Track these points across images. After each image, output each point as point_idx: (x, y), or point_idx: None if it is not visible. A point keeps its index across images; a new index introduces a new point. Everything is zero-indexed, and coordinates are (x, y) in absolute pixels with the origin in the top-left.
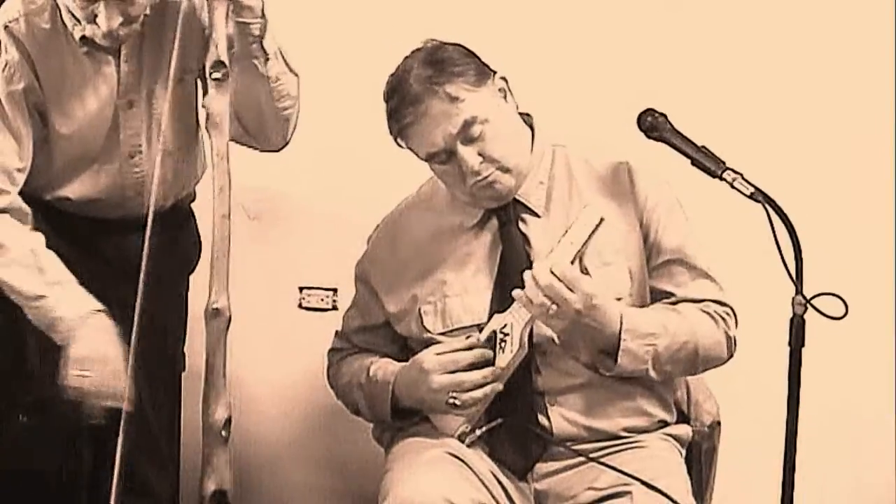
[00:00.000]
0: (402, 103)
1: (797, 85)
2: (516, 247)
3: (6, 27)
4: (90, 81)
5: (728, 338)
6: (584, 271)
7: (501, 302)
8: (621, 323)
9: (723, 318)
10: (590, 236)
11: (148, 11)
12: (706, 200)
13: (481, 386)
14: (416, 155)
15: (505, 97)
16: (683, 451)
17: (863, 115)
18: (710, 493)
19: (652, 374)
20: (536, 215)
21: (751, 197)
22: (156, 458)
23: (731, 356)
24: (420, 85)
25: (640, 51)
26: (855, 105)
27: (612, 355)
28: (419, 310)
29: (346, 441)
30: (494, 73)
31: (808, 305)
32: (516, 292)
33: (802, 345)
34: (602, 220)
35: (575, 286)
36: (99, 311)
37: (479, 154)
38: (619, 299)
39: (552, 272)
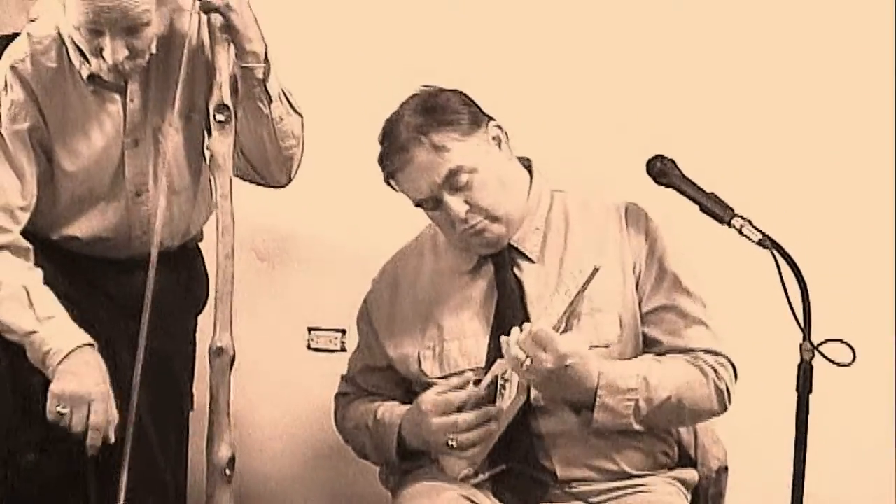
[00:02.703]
0: (390, 150)
1: (805, 133)
2: (511, 293)
3: (13, 67)
4: (96, 119)
5: (719, 391)
6: (568, 325)
7: (498, 347)
8: (598, 379)
9: (714, 370)
10: (585, 286)
11: (154, 49)
12: (715, 246)
13: (476, 427)
14: (409, 199)
15: (499, 145)
16: (689, 496)
17: (870, 163)
18: None
19: (635, 427)
20: (531, 261)
21: (759, 243)
22: (162, 494)
23: (725, 409)
24: (408, 133)
25: (650, 97)
26: (862, 153)
27: (591, 409)
28: (418, 354)
29: (353, 481)
30: (490, 120)
31: (815, 352)
32: (503, 339)
33: (810, 391)
34: (597, 269)
35: (548, 346)
36: (88, 345)
37: (467, 202)
38: (607, 346)
39: (529, 332)
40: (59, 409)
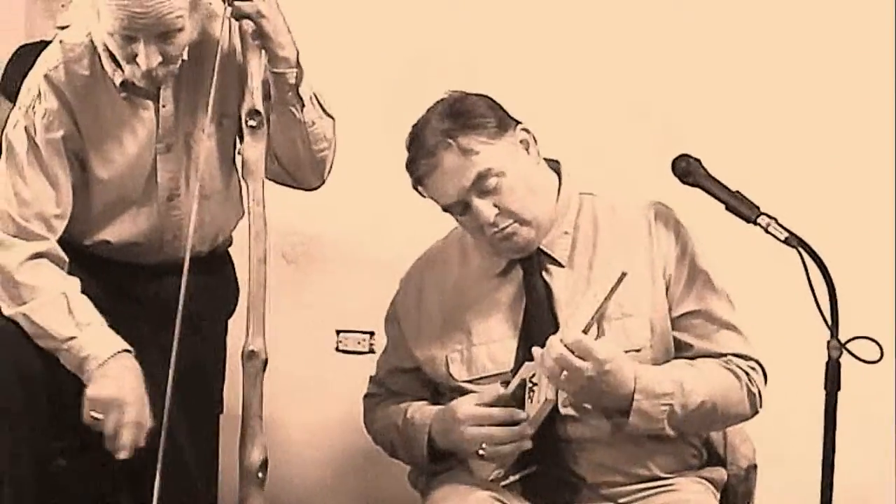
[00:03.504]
0: (418, 155)
1: (832, 131)
2: (540, 297)
3: (46, 76)
4: (128, 126)
5: (751, 394)
6: (600, 331)
7: (526, 351)
8: (635, 383)
9: (746, 373)
10: (612, 291)
11: (186, 55)
12: (741, 244)
13: (509, 441)
14: (437, 203)
15: (527, 149)
16: (718, 494)
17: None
18: None
19: (669, 432)
20: (560, 265)
21: (785, 242)
22: (194, 499)
23: (755, 412)
24: (434, 137)
25: (675, 97)
26: (889, 152)
27: (626, 414)
28: (446, 357)
29: (382, 484)
30: (518, 123)
31: (843, 349)
32: (535, 350)
33: (838, 388)
34: (624, 274)
35: (587, 355)
36: (126, 351)
37: (496, 206)
38: (638, 350)
39: (563, 342)
40: (94, 412)
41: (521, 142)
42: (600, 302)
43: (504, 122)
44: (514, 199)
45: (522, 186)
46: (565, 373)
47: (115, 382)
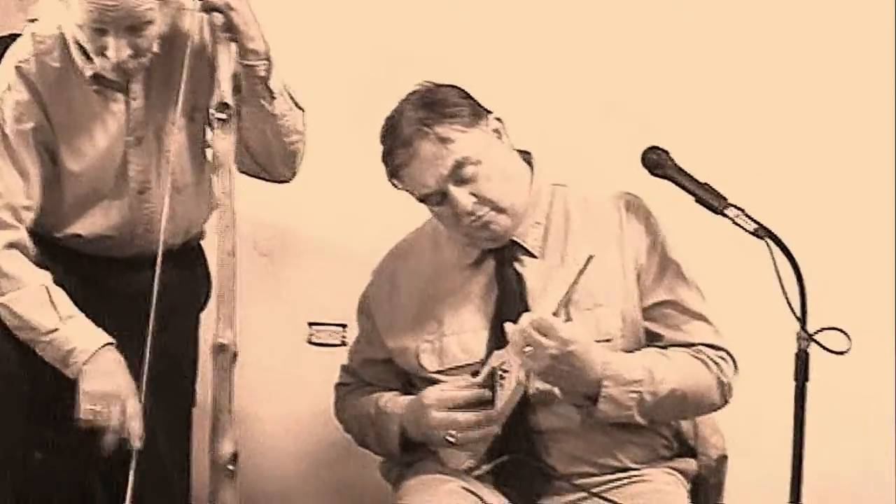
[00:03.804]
0: (394, 145)
1: (800, 121)
2: (512, 288)
3: (17, 67)
4: (99, 119)
5: (722, 384)
6: (568, 316)
7: (497, 342)
8: (603, 369)
9: (716, 363)
10: (579, 274)
11: (157, 48)
12: (711, 236)
13: (476, 427)
14: (412, 195)
15: (500, 137)
16: (688, 486)
17: (865, 149)
18: None
19: (638, 419)
20: (533, 256)
21: (753, 233)
22: (168, 492)
23: (725, 402)
24: (411, 127)
25: (644, 89)
26: (856, 143)
27: (595, 401)
28: (417, 347)
29: (356, 476)
30: (489, 113)
31: (811, 340)
32: (507, 326)
33: (807, 379)
34: (591, 257)
35: (549, 332)
36: (110, 344)
37: (473, 195)
38: (609, 340)
39: (530, 317)
40: (92, 407)
41: (494, 131)
42: (569, 285)
43: (477, 111)
44: (491, 187)
45: (498, 174)
46: (529, 348)
47: (111, 376)
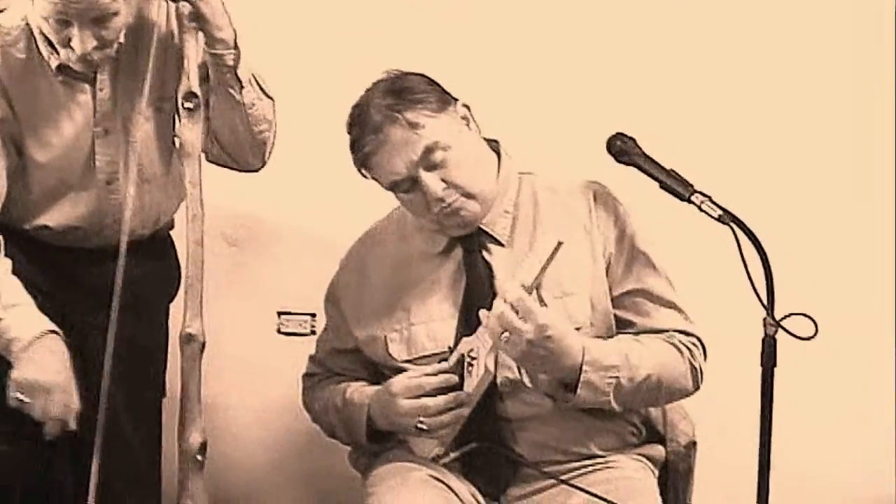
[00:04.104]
0: (363, 133)
1: (763, 106)
2: (480, 276)
3: None
4: (66, 110)
5: (693, 369)
6: (541, 300)
7: (466, 330)
8: (583, 355)
9: (688, 349)
10: (548, 261)
11: (122, 38)
12: (676, 223)
13: (446, 411)
14: (381, 184)
15: (468, 124)
16: (657, 472)
17: (829, 136)
18: None
19: (614, 405)
20: (501, 244)
21: (719, 220)
22: (138, 482)
23: (697, 388)
24: (380, 113)
25: (609, 75)
26: (820, 128)
27: (572, 387)
28: (385, 337)
29: (325, 466)
30: (456, 100)
31: (778, 326)
32: (482, 312)
33: (774, 364)
34: (560, 244)
35: (528, 315)
36: (51, 332)
37: (443, 180)
38: (579, 329)
39: (506, 301)
40: (18, 395)
41: (462, 118)
42: (536, 272)
43: (444, 97)
44: (461, 173)
45: (468, 160)
46: (506, 334)
47: (40, 365)
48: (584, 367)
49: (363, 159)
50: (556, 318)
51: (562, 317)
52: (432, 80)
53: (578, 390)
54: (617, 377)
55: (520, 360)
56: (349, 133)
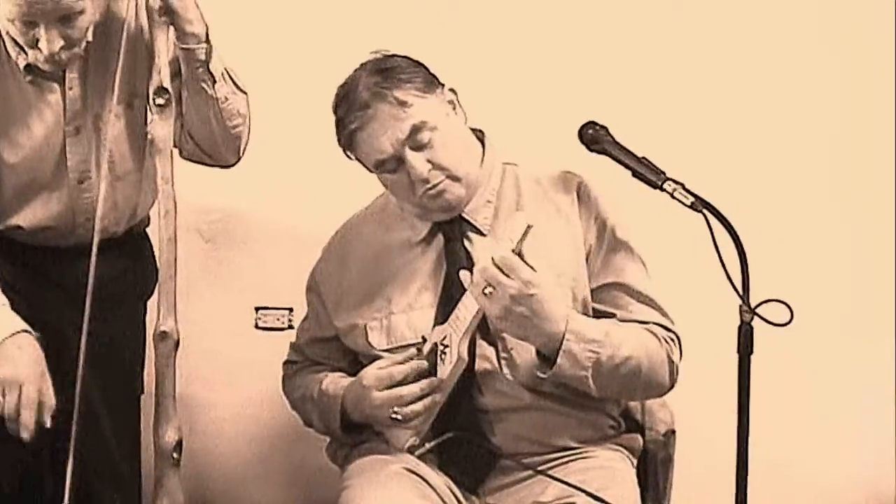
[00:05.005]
0: (350, 110)
1: (736, 93)
2: (460, 265)
3: None
4: (35, 110)
5: (671, 362)
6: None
7: (445, 319)
8: (567, 323)
9: (667, 343)
10: (519, 242)
11: (91, 36)
12: (649, 211)
13: (421, 398)
14: (365, 166)
15: (454, 109)
16: (635, 461)
17: (803, 121)
18: (668, 502)
19: (590, 384)
20: (482, 234)
21: (691, 207)
22: (115, 479)
23: (672, 385)
24: (368, 91)
25: (581, 64)
26: (795, 111)
27: (551, 361)
28: (365, 325)
29: (305, 460)
30: (443, 85)
31: (753, 313)
32: (463, 273)
33: (750, 352)
34: (530, 227)
35: (512, 271)
36: (24, 331)
37: (429, 161)
38: None
39: (492, 259)
40: None
41: (448, 101)
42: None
43: (431, 79)
44: (447, 154)
45: (454, 142)
46: (489, 288)
47: (11, 363)
48: (567, 336)
49: (349, 137)
50: (543, 280)
51: (549, 281)
52: (418, 62)
53: (559, 359)
54: (598, 353)
55: (501, 319)
56: (335, 112)
